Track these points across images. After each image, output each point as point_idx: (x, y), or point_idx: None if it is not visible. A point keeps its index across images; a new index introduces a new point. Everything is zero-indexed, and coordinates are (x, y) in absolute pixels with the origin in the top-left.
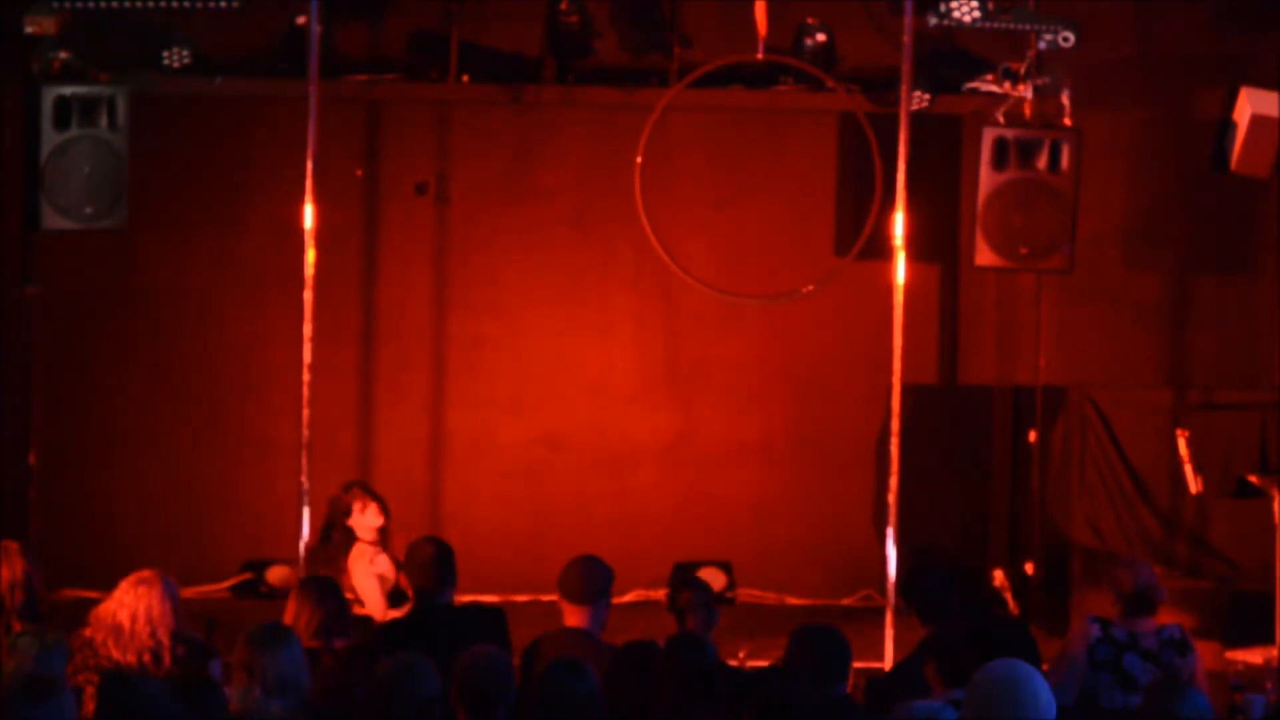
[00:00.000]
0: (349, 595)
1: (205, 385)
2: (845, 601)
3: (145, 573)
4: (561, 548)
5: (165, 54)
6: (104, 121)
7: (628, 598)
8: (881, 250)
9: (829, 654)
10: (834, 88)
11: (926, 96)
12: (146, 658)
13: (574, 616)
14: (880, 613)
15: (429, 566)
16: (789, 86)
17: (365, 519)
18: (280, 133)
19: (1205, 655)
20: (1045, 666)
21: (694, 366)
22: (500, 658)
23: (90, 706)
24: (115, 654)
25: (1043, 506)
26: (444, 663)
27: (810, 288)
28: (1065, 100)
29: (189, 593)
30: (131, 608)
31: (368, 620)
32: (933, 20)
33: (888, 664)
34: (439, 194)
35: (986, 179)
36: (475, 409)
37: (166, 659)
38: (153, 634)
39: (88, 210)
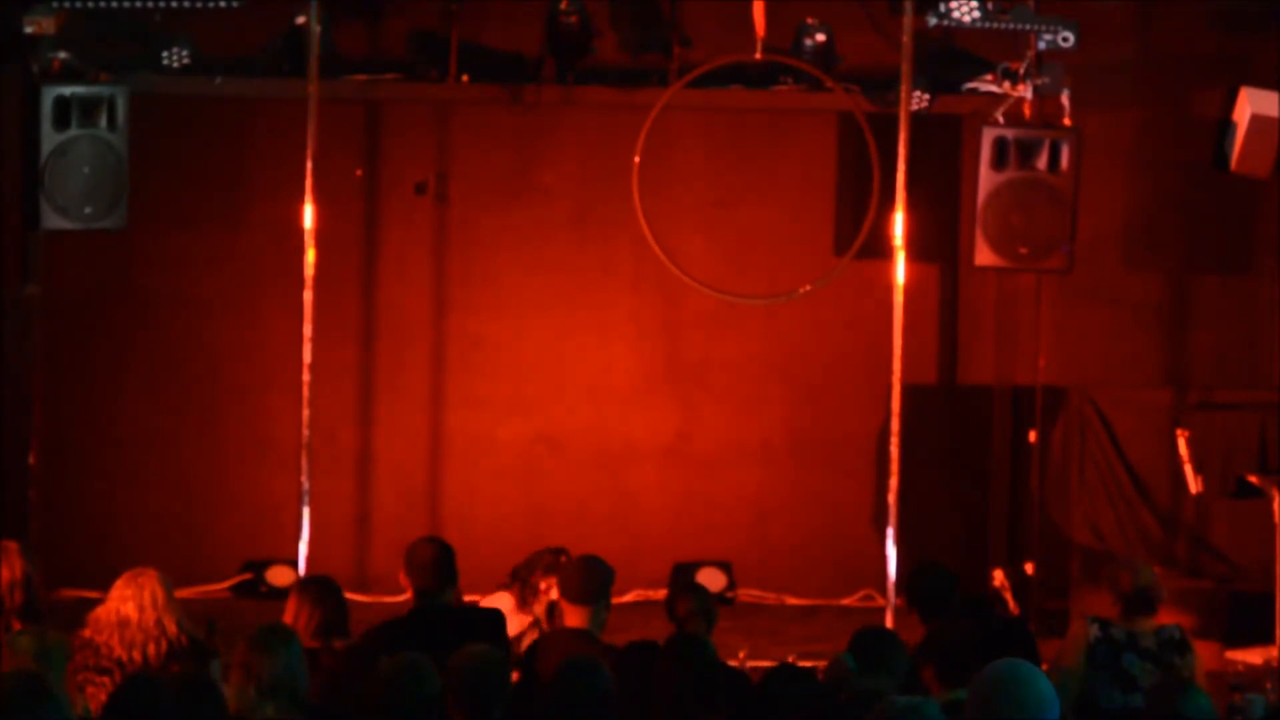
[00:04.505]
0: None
1: (205, 385)
2: (845, 601)
3: (137, 569)
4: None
5: (165, 54)
6: (104, 121)
7: (628, 598)
8: (881, 250)
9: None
10: (833, 88)
11: (926, 96)
12: (151, 649)
13: (574, 616)
14: (880, 613)
15: (429, 567)
16: (789, 86)
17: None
18: (280, 133)
19: (1205, 655)
20: (1045, 666)
21: (694, 366)
22: (492, 656)
23: (92, 706)
24: (120, 652)
25: (1043, 506)
26: (444, 663)
27: (808, 288)
28: (1065, 100)
29: (189, 593)
30: (136, 599)
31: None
32: (932, 20)
33: None
34: (439, 194)
35: (986, 179)
36: (475, 408)
37: (166, 648)
38: (158, 621)
39: (87, 210)
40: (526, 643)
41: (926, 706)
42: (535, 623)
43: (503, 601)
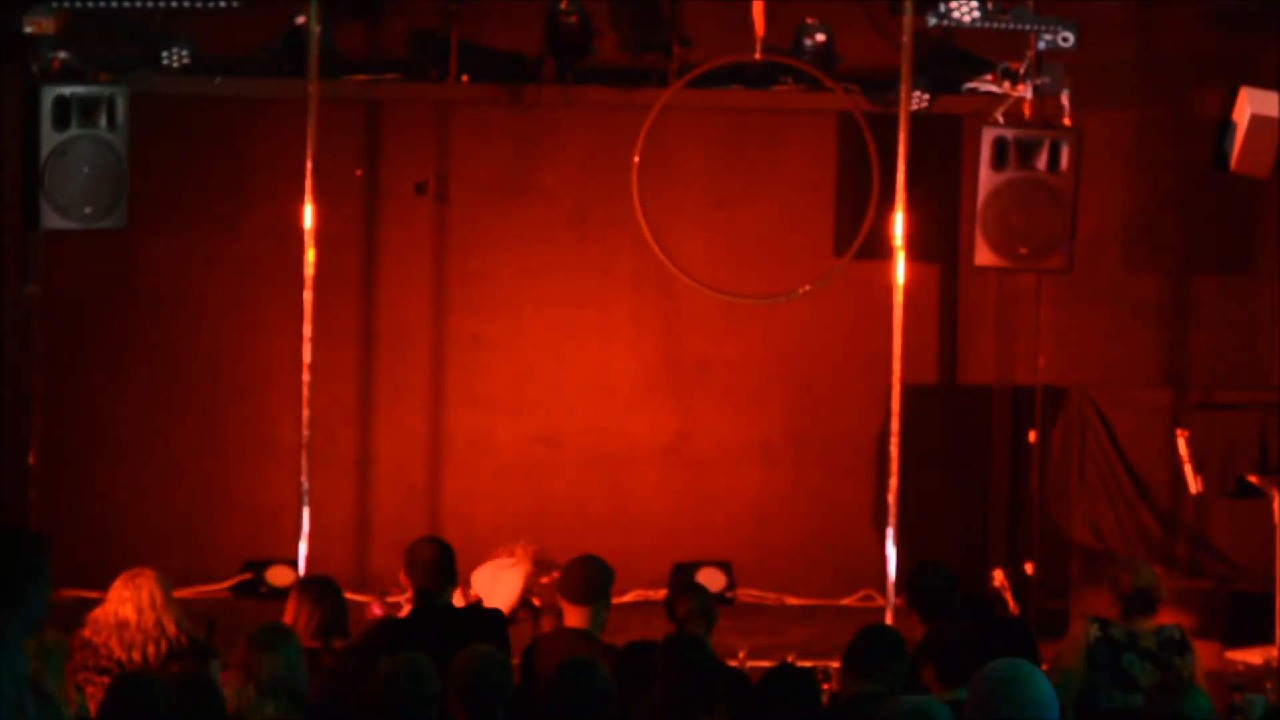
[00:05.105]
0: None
1: (205, 385)
2: (845, 601)
3: (134, 570)
4: (560, 548)
5: (165, 54)
6: (104, 121)
7: (628, 598)
8: (881, 250)
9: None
10: (833, 88)
11: (926, 96)
12: (150, 650)
13: (574, 616)
14: (880, 613)
15: (429, 567)
16: (789, 86)
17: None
18: (280, 133)
19: (1205, 655)
20: (1045, 666)
21: (694, 366)
22: (497, 657)
23: (92, 706)
24: (119, 653)
25: (1043, 506)
26: (444, 663)
27: (808, 288)
28: (1065, 100)
29: (189, 593)
30: (134, 600)
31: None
32: (932, 20)
33: None
34: (439, 193)
35: (986, 179)
36: (474, 408)
37: (165, 648)
38: (157, 622)
39: (87, 210)
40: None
41: (935, 708)
42: (524, 603)
43: (510, 575)
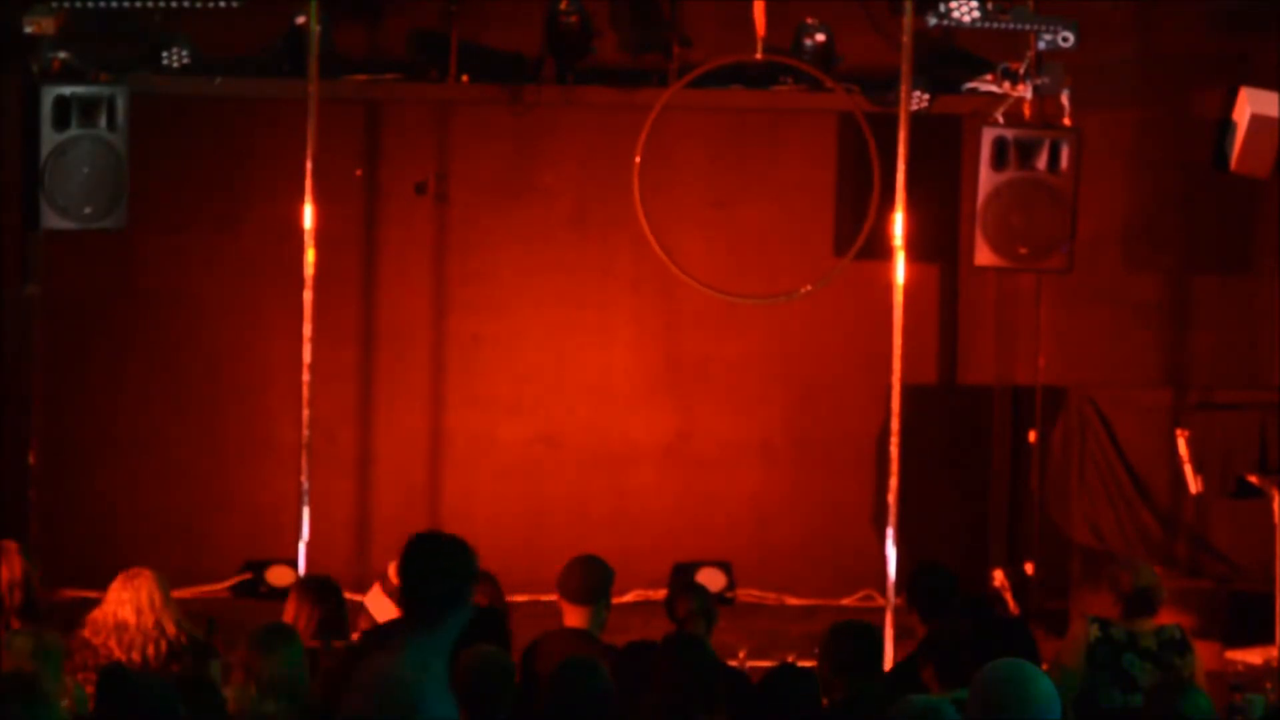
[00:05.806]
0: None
1: (205, 385)
2: (845, 601)
3: (133, 570)
4: (560, 548)
5: (165, 54)
6: (104, 121)
7: (628, 598)
8: (881, 250)
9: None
10: (833, 88)
11: (926, 96)
12: (150, 650)
13: (574, 616)
14: (880, 613)
15: None
16: (789, 86)
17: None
18: (280, 133)
19: (1205, 655)
20: (1045, 666)
21: (694, 366)
22: (500, 657)
23: (91, 706)
24: (119, 654)
25: (1043, 507)
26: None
27: (808, 288)
28: (1065, 100)
29: (189, 593)
30: (133, 602)
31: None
32: (932, 20)
33: (887, 664)
34: (438, 193)
35: (986, 179)
36: (474, 408)
37: (165, 648)
38: (157, 623)
39: (87, 210)
40: None
41: (945, 707)
42: None
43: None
